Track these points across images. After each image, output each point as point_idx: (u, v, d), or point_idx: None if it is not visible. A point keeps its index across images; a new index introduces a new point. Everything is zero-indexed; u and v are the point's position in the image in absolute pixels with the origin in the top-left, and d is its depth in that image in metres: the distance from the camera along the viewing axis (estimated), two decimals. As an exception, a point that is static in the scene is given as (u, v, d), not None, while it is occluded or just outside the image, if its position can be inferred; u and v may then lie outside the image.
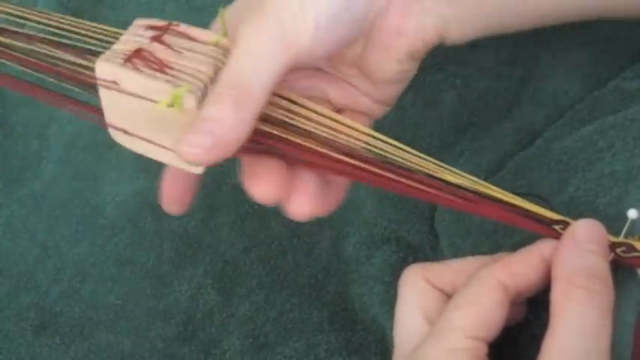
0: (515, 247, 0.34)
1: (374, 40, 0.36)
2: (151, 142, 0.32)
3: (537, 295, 0.32)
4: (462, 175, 0.32)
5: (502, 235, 0.39)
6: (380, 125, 0.47)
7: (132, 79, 0.29)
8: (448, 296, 0.34)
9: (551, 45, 0.46)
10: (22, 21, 0.33)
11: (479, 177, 0.32)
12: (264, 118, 0.32)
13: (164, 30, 0.31)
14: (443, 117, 0.47)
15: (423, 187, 0.32)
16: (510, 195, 0.32)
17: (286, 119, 0.33)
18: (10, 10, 0.33)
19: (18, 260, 0.56)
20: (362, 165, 0.32)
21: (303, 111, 0.33)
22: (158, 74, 0.29)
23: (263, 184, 0.33)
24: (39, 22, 0.33)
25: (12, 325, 0.54)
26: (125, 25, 0.33)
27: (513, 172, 0.41)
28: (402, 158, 0.32)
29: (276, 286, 0.51)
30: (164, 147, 0.32)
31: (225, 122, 0.30)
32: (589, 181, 0.35)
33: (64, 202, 0.57)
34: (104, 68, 0.30)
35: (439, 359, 0.30)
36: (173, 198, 0.37)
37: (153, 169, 0.55)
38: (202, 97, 0.30)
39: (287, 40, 0.32)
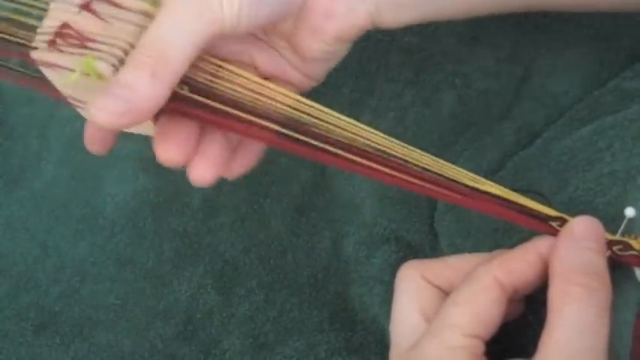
0: (514, 247, 0.34)
1: (303, 20, 0.36)
2: None
3: (535, 292, 0.32)
4: (431, 158, 0.32)
5: (502, 236, 0.39)
6: (379, 125, 0.47)
7: (57, 59, 0.30)
8: (445, 293, 0.34)
9: (551, 44, 0.46)
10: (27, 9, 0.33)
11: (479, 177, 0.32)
12: (183, 81, 0.32)
13: None
14: (443, 116, 0.47)
15: (346, 155, 0.32)
16: (507, 191, 0.32)
17: (208, 82, 0.33)
18: None
19: (18, 260, 0.56)
20: (285, 131, 0.32)
21: (226, 74, 0.33)
22: (77, 49, 0.30)
23: (172, 147, 0.33)
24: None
25: (12, 325, 0.54)
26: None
27: (513, 172, 0.41)
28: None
29: (276, 285, 0.51)
30: None
31: (140, 90, 0.30)
32: (588, 181, 0.35)
33: (63, 202, 0.57)
34: (36, 56, 0.31)
35: (437, 357, 0.30)
36: (95, 138, 0.37)
37: (153, 169, 0.55)
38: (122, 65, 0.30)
39: (211, 15, 0.31)
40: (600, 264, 0.30)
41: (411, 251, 0.47)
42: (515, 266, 0.31)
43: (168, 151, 0.33)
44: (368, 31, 0.52)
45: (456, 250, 0.42)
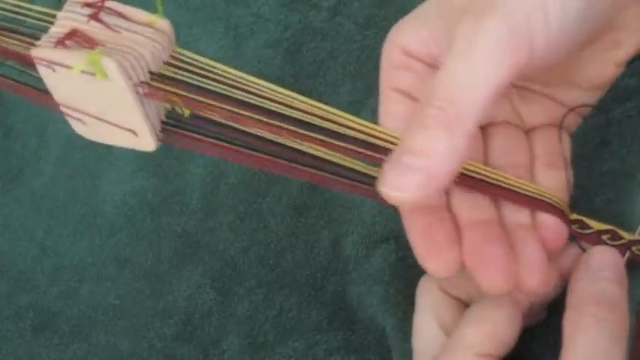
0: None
1: (600, 41, 0.31)
2: (101, 119, 0.31)
3: (552, 300, 0.32)
4: None
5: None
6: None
7: (63, 57, 0.29)
8: (464, 304, 0.34)
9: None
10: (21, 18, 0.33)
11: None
12: None
13: (99, 8, 0.31)
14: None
15: None
16: (531, 185, 0.31)
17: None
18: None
19: (16, 260, 0.56)
20: None
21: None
22: (86, 49, 0.29)
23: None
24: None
25: (10, 325, 0.54)
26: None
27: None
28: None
29: (275, 285, 0.51)
30: (113, 124, 0.31)
31: (436, 153, 0.25)
32: (587, 178, 0.35)
33: (62, 201, 0.57)
34: (38, 53, 0.30)
35: None
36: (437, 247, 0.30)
37: (152, 168, 0.55)
38: (133, 72, 0.29)
39: (518, 38, 0.25)
40: (616, 293, 0.29)
41: (411, 251, 0.47)
42: None
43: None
44: (366, 31, 0.52)
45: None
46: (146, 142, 0.32)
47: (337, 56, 0.52)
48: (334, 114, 0.30)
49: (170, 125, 0.32)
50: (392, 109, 0.32)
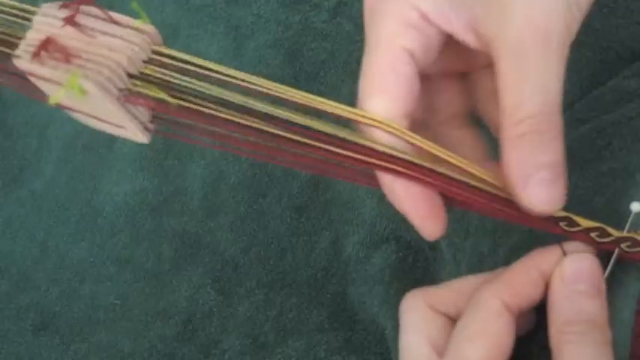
0: (514, 247, 0.34)
1: None
2: (93, 117, 0.32)
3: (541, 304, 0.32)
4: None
5: (501, 235, 0.39)
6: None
7: (41, 71, 0.30)
8: (452, 319, 0.33)
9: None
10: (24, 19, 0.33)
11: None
12: None
13: (75, 11, 0.31)
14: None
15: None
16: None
17: None
18: None
19: (17, 260, 0.56)
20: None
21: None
22: (62, 65, 0.30)
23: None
24: None
25: (11, 325, 0.54)
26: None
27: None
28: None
29: (276, 285, 0.51)
30: (105, 121, 0.32)
31: (562, 161, 0.28)
32: (587, 179, 0.35)
33: (63, 202, 0.57)
34: (20, 65, 0.30)
35: None
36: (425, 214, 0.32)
37: (152, 169, 0.55)
38: (110, 83, 0.29)
39: (569, 34, 0.29)
40: (594, 307, 0.30)
41: (411, 251, 0.47)
42: (520, 288, 0.31)
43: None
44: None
45: (456, 249, 0.42)
46: (136, 136, 0.32)
47: (338, 57, 0.52)
48: (328, 104, 0.29)
49: (160, 116, 0.32)
50: (401, 70, 0.30)
